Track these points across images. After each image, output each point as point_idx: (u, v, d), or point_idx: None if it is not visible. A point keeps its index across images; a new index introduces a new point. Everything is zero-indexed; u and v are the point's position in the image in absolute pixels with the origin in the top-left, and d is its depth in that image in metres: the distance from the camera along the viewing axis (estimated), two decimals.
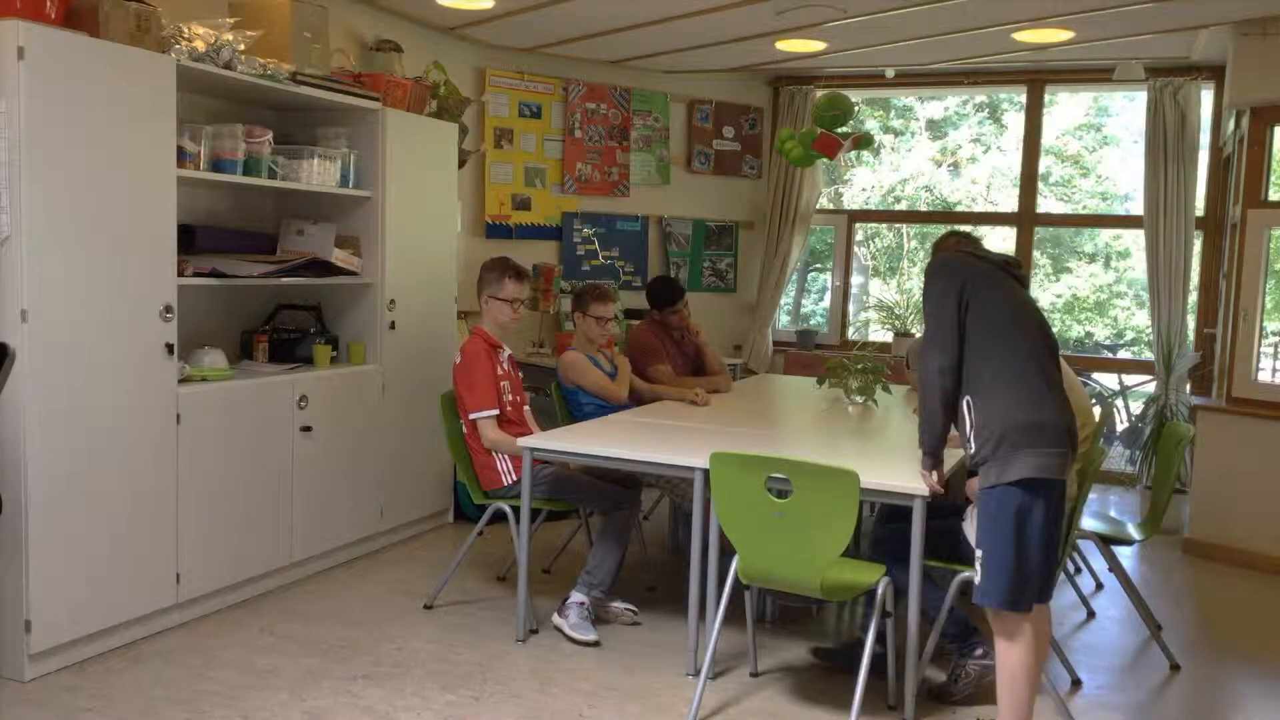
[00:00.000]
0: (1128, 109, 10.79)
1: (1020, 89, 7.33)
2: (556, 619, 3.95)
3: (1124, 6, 5.02)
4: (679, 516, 5.00)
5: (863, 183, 11.62)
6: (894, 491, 3.24)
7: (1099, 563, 4.93)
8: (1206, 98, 6.60)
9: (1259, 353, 5.38)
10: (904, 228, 11.41)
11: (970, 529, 3.20)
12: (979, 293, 2.96)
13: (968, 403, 2.93)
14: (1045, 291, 11.00)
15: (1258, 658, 4.06)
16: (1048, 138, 9.08)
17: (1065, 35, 5.70)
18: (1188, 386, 6.51)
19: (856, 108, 6.42)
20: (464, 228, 6.24)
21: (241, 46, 3.98)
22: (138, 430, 3.65)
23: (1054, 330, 3.12)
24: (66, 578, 3.44)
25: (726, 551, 3.37)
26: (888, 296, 10.18)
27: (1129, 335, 10.98)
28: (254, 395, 4.17)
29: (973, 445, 2.92)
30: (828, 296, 8.14)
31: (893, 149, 11.69)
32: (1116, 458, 6.63)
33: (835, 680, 3.61)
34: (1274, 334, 6.15)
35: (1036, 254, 9.61)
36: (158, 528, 3.76)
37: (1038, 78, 7.04)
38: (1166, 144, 6.45)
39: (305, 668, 3.58)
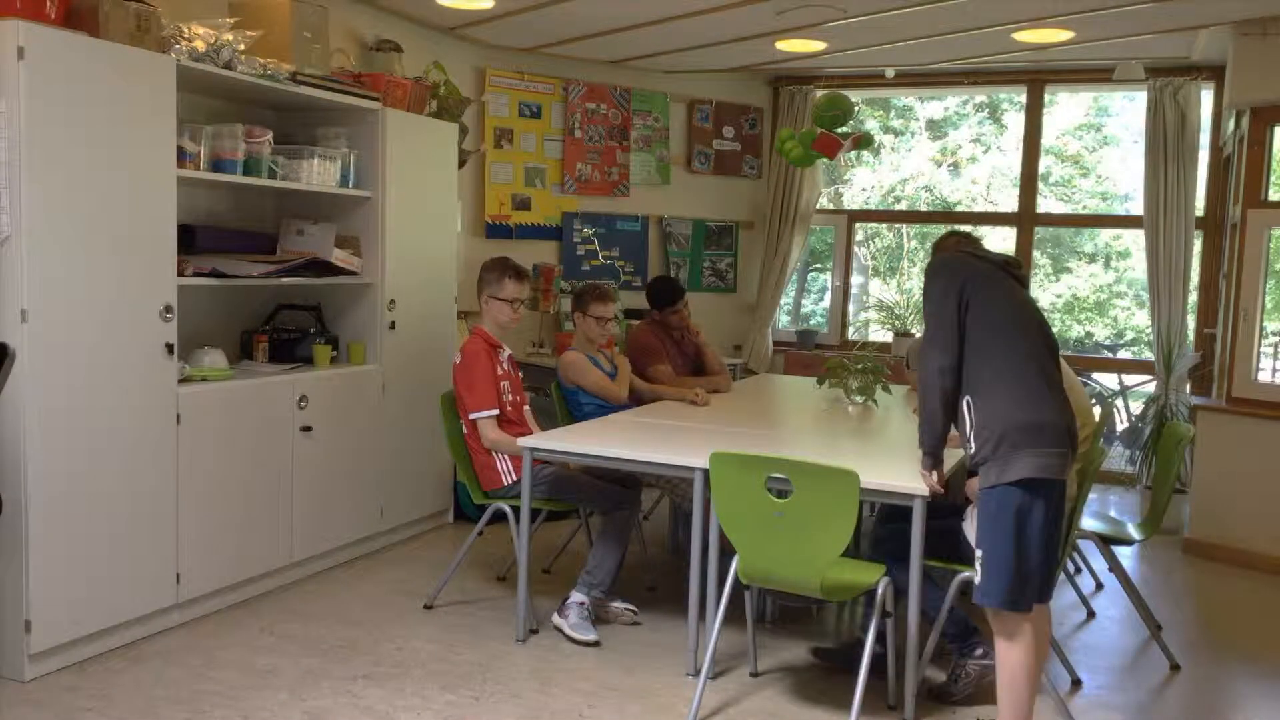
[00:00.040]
0: (1128, 109, 10.79)
1: (1020, 89, 7.33)
2: (556, 619, 3.95)
3: (1124, 6, 5.02)
4: (679, 516, 5.00)
5: (863, 183, 11.62)
6: (894, 491, 3.24)
7: (1099, 563, 4.93)
8: (1206, 98, 6.60)
9: (1259, 353, 5.38)
10: (904, 228, 11.41)
11: (970, 529, 3.20)
12: (979, 293, 2.96)
13: (968, 403, 2.93)
14: (1045, 291, 11.00)
15: (1258, 658, 4.06)
16: (1048, 138, 9.08)
17: (1065, 35, 5.70)
18: (1188, 386, 6.51)
19: (856, 108, 6.42)
20: (464, 228, 6.24)
21: (241, 46, 3.98)
22: (138, 430, 3.65)
23: (1054, 330, 3.12)
24: (66, 578, 3.44)
25: (726, 551, 3.37)
26: (888, 296, 10.18)
27: (1129, 335, 10.98)
28: (254, 395, 4.17)
29: (973, 445, 2.92)
30: (828, 296, 8.14)
31: (893, 149, 11.69)
32: (1116, 458, 6.63)
33: (835, 680, 3.61)
34: (1274, 334, 6.15)
35: (1036, 254, 9.61)
36: (158, 528, 3.76)
37: (1038, 78, 7.04)
38: (1166, 144, 6.45)
39: (305, 668, 3.58)
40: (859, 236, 9.31)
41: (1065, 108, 10.92)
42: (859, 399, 4.92)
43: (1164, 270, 6.48)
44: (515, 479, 4.07)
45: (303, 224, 4.65)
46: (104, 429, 3.53)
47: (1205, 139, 6.65)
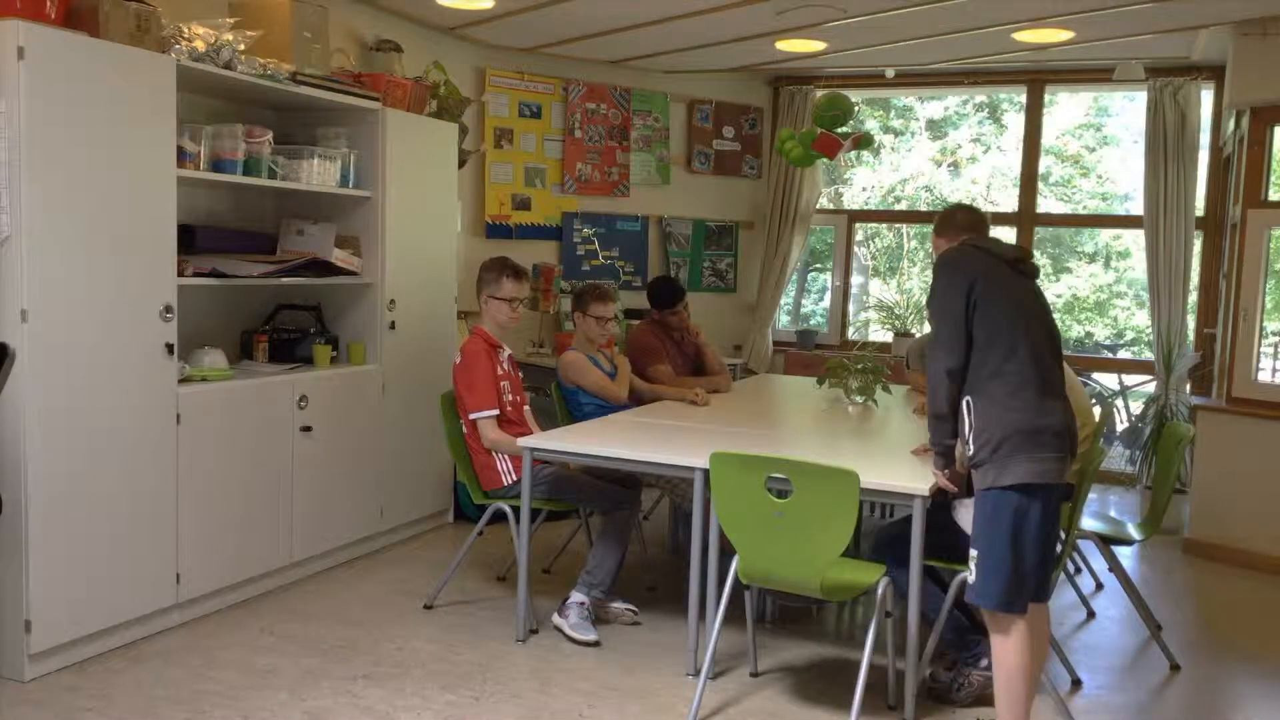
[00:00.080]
0: (1128, 109, 10.79)
1: (1020, 89, 7.33)
2: (556, 619, 3.95)
3: (1124, 6, 5.02)
4: (679, 516, 5.00)
5: (863, 183, 11.62)
6: (894, 491, 3.24)
7: (1099, 563, 4.93)
8: (1206, 98, 6.60)
9: (1259, 353, 5.38)
10: (904, 228, 11.42)
11: (963, 518, 3.19)
12: (985, 294, 2.92)
13: (967, 403, 2.93)
14: (1045, 291, 10.97)
15: (1258, 658, 4.06)
16: (1048, 138, 9.08)
17: (1065, 35, 5.70)
18: (1188, 386, 6.51)
19: (856, 108, 6.42)
20: (464, 228, 6.24)
21: (241, 46, 3.98)
22: (138, 430, 3.65)
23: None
24: (66, 578, 3.44)
25: (726, 551, 3.37)
26: (888, 296, 10.19)
27: (1129, 335, 10.98)
28: (254, 395, 4.17)
29: (971, 447, 2.91)
30: (828, 296, 8.14)
31: (893, 149, 11.69)
32: (1116, 458, 6.63)
33: (835, 680, 3.62)
34: (1274, 334, 6.15)
35: (1036, 254, 9.60)
36: (158, 528, 3.76)
37: (1038, 78, 7.04)
38: (1166, 144, 6.46)
39: (305, 668, 3.58)
40: (859, 236, 9.32)
41: (1065, 108, 10.92)
42: (859, 399, 4.92)
43: (1164, 270, 6.48)
44: (515, 479, 4.07)
45: (303, 224, 4.65)
46: (104, 429, 3.53)
47: (1205, 139, 6.65)
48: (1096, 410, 4.55)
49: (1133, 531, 4.21)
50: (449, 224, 5.40)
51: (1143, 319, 10.43)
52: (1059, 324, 3.20)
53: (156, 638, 3.78)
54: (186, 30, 3.82)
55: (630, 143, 7.16)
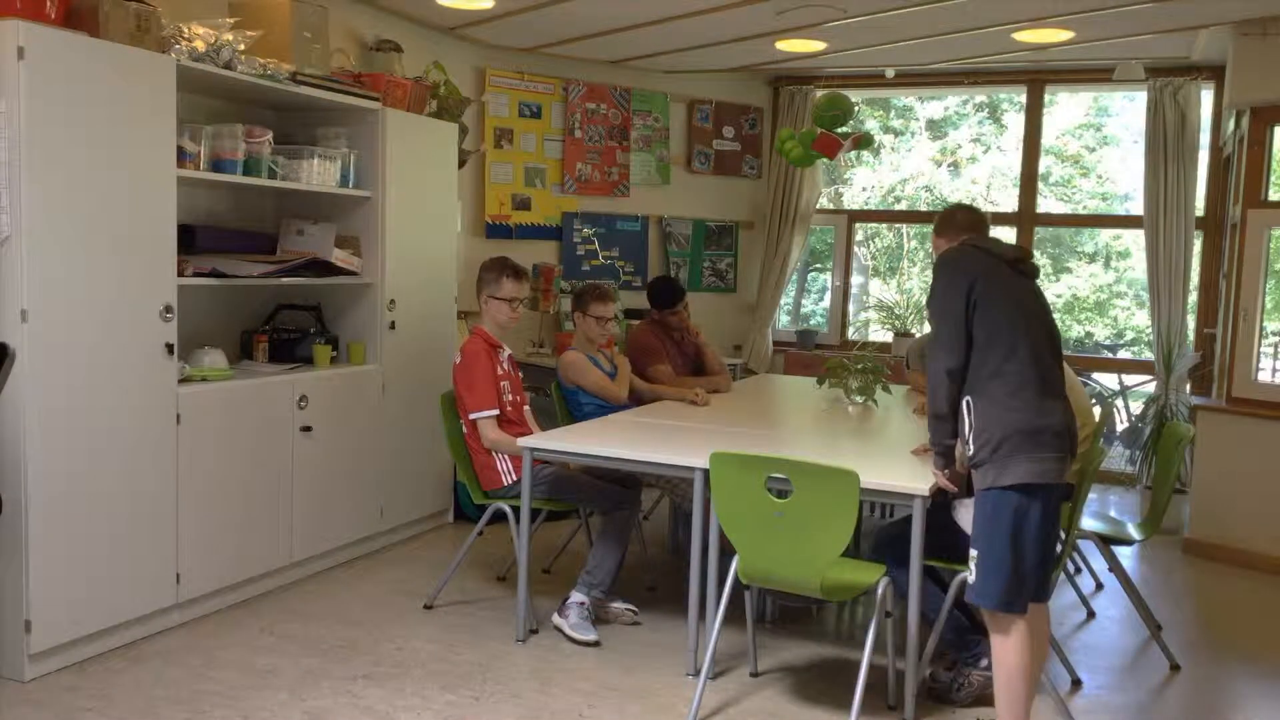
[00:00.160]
0: (1128, 109, 10.79)
1: (1020, 89, 7.33)
2: (556, 619, 3.95)
3: (1124, 6, 5.02)
4: (679, 516, 5.00)
5: (863, 183, 11.62)
6: (894, 491, 3.24)
7: (1099, 563, 4.93)
8: (1206, 98, 6.60)
9: (1259, 353, 5.38)
10: (904, 228, 11.42)
11: (962, 518, 3.19)
12: (985, 294, 2.92)
13: (967, 403, 2.93)
14: (1045, 291, 10.98)
15: (1258, 658, 4.06)
16: (1048, 138, 9.08)
17: (1065, 35, 5.70)
18: (1188, 386, 6.51)
19: (856, 108, 6.42)
20: (464, 228, 6.24)
21: (241, 46, 3.98)
22: (138, 430, 3.65)
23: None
24: (66, 578, 3.44)
25: (726, 551, 3.37)
26: (888, 296, 10.19)
27: (1129, 335, 10.98)
28: (254, 395, 4.17)
29: (971, 447, 2.91)
30: (828, 296, 8.14)
31: (893, 149, 11.69)
32: (1116, 458, 6.63)
33: (835, 680, 3.62)
34: (1274, 334, 6.15)
35: (1036, 254, 9.60)
36: (158, 528, 3.76)
37: (1038, 78, 7.04)
38: (1166, 144, 6.46)
39: (305, 668, 3.58)
40: (859, 236, 9.32)
41: (1065, 108, 10.92)
42: (859, 399, 4.92)
43: (1164, 270, 6.48)
44: (515, 479, 4.07)
45: (303, 224, 4.65)
46: (104, 429, 3.53)
47: (1205, 139, 6.65)
48: (1096, 410, 4.55)
49: (1133, 531, 4.21)
50: (449, 224, 5.40)
51: (1143, 319, 10.43)
52: (1059, 324, 3.20)
53: (156, 638, 3.78)
54: (186, 30, 3.82)
55: (630, 143, 7.16)
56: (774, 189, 7.46)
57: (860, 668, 3.14)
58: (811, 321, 9.38)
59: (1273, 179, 5.48)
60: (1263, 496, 5.18)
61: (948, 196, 11.51)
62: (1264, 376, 5.49)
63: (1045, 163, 8.59)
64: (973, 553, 2.91)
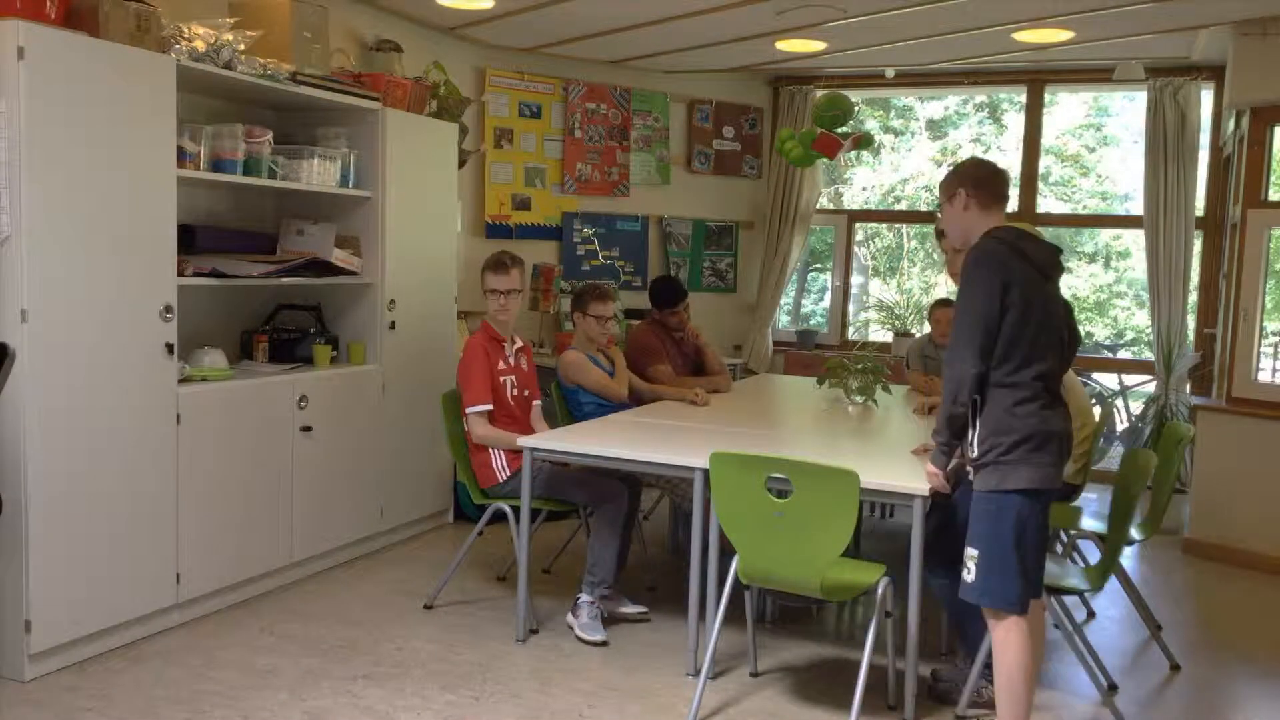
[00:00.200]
0: (1128, 109, 10.79)
1: (1020, 89, 7.33)
2: (569, 618, 3.97)
3: (1124, 6, 5.02)
4: (679, 516, 5.00)
5: (863, 183, 11.62)
6: (894, 491, 3.24)
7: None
8: (1206, 98, 6.60)
9: (1259, 353, 5.37)
10: (904, 228, 11.41)
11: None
12: (1017, 302, 2.87)
13: (974, 405, 2.93)
14: None
15: (1258, 658, 4.06)
16: (1048, 138, 9.07)
17: (1065, 35, 5.70)
18: (1188, 386, 6.51)
19: (856, 108, 6.42)
20: (464, 228, 6.24)
21: (241, 46, 3.98)
22: (138, 430, 3.65)
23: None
24: (66, 578, 3.44)
25: (726, 551, 3.37)
26: (888, 296, 10.19)
27: (1129, 335, 10.98)
28: (254, 395, 4.17)
29: (974, 449, 2.92)
30: (828, 296, 8.14)
31: (893, 149, 11.69)
32: (1116, 458, 6.63)
33: (835, 680, 3.61)
34: (1274, 334, 6.15)
35: None
36: (158, 528, 3.76)
37: (1038, 78, 7.04)
38: (1166, 144, 6.46)
39: (305, 668, 3.58)
40: (859, 236, 9.31)
41: (1065, 108, 10.91)
42: (859, 399, 4.91)
43: (1164, 270, 6.48)
44: (509, 474, 4.08)
45: (303, 224, 4.65)
46: (104, 429, 3.53)
47: (1205, 139, 6.65)
48: (1096, 410, 4.55)
49: (1133, 531, 4.21)
50: (449, 224, 5.40)
51: (1143, 319, 10.43)
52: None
53: (156, 638, 3.78)
54: (186, 30, 3.82)
55: (630, 143, 7.16)
56: (774, 189, 7.46)
57: (860, 668, 3.14)
58: (811, 321, 9.37)
59: (1273, 179, 5.48)
60: (1263, 496, 5.18)
61: None
62: (1264, 376, 5.49)
63: (1045, 163, 8.58)
64: (971, 552, 2.91)
